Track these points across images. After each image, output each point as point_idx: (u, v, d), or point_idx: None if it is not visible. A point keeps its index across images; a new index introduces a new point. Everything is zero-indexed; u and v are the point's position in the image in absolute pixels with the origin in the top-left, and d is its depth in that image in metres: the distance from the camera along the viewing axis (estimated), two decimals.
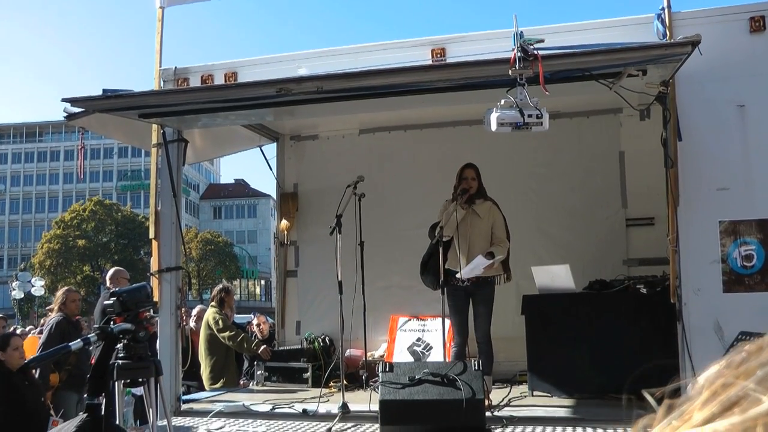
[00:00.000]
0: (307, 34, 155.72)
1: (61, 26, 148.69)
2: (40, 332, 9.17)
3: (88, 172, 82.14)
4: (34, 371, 6.53)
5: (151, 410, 4.62)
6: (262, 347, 8.14)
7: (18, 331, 11.78)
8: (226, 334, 8.20)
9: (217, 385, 8.26)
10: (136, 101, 6.30)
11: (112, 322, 4.37)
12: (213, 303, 8.69)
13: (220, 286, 9.26)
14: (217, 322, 8.29)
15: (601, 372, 6.39)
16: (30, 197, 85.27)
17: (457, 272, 6.52)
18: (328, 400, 6.60)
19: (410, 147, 8.85)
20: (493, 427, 5.53)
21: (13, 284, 40.23)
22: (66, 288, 8.58)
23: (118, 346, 4.31)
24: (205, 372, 8.42)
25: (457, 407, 5.27)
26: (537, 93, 4.96)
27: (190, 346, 8.05)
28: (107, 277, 8.39)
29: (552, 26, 6.10)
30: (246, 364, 8.96)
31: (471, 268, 6.40)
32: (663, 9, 5.72)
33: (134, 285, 5.48)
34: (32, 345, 7.94)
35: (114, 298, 4.47)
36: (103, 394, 4.07)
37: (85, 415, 3.92)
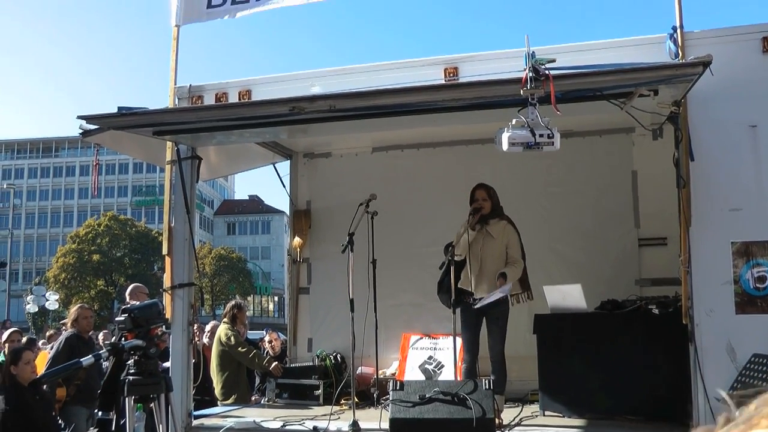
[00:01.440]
0: (323, 47, 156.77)
1: (80, 41, 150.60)
2: (52, 346, 9.22)
3: (103, 187, 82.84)
4: (44, 386, 6.57)
5: (161, 426, 4.64)
6: (274, 364, 8.14)
7: None
8: (238, 350, 8.23)
9: (229, 401, 8.28)
10: (150, 119, 6.35)
11: (123, 338, 4.41)
12: (225, 319, 8.74)
13: (233, 302, 9.28)
14: (229, 339, 8.32)
15: (613, 393, 6.34)
16: (45, 212, 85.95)
17: (469, 291, 6.52)
18: (339, 418, 6.59)
19: (423, 165, 8.86)
20: None
21: (28, 298, 40.39)
22: (79, 305, 8.66)
23: (129, 362, 4.35)
24: (216, 387, 8.46)
25: (468, 426, 5.25)
26: (548, 112, 4.96)
27: (202, 362, 8.07)
28: (126, 293, 8.46)
29: (564, 45, 6.11)
30: (258, 380, 8.98)
31: (488, 301, 6.40)
32: (675, 29, 5.71)
33: (146, 302, 5.52)
34: (44, 361, 7.98)
35: (126, 315, 4.51)
36: (114, 409, 4.10)
37: (96, 430, 3.95)
